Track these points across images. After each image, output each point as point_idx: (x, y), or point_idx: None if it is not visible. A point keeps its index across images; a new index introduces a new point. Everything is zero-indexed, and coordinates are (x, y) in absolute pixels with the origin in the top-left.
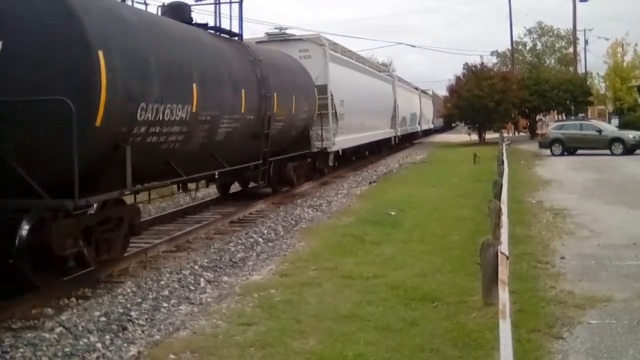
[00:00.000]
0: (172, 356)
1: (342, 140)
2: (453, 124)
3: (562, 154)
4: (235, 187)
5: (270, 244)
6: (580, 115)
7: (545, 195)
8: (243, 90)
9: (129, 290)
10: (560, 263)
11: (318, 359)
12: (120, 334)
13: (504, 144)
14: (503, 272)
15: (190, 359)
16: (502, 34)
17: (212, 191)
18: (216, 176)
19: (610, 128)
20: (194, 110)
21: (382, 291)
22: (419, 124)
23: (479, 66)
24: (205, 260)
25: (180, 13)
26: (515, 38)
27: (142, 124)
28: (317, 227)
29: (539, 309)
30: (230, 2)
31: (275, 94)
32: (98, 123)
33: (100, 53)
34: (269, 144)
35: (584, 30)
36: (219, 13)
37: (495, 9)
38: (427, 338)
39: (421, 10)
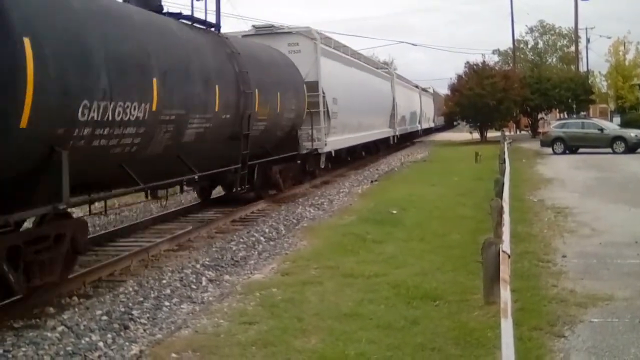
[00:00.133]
0: (173, 355)
1: (335, 140)
2: (455, 123)
3: (563, 153)
4: (220, 191)
5: (271, 242)
6: (582, 113)
7: (546, 194)
8: (217, 86)
9: (130, 289)
10: (562, 261)
11: (320, 357)
12: (122, 333)
13: (505, 143)
14: (504, 271)
15: (192, 358)
16: (503, 33)
17: (190, 197)
18: (184, 183)
19: (612, 126)
20: (153, 109)
21: (384, 290)
22: (419, 122)
23: (480, 65)
24: (207, 259)
25: (148, 0)
26: (516, 37)
27: (86, 125)
28: (319, 225)
29: (540, 308)
30: None
31: (256, 90)
32: (24, 124)
33: (27, 40)
34: (249, 145)
35: (586, 29)
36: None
37: (496, 9)
38: (429, 337)
39: (421, 9)
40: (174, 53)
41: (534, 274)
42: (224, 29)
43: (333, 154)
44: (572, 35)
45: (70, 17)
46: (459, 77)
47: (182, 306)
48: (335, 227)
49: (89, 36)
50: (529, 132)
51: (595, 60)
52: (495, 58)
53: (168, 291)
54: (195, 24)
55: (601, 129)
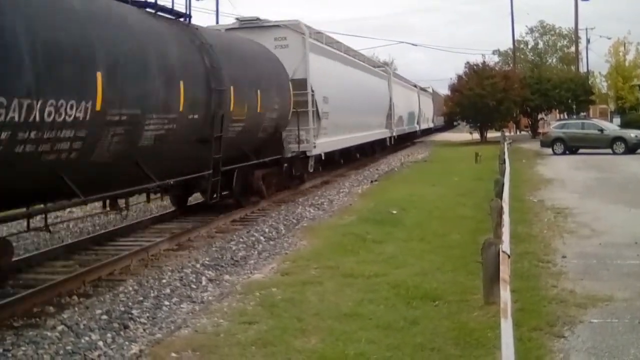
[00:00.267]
0: (173, 354)
1: (326, 142)
2: (455, 123)
3: (563, 153)
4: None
5: (271, 242)
6: (582, 114)
7: (546, 194)
8: (182, 83)
9: (130, 288)
10: (562, 262)
11: (319, 357)
12: (121, 332)
13: (505, 143)
14: (504, 271)
15: (191, 358)
16: (503, 33)
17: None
18: (138, 194)
19: (612, 127)
20: (97, 109)
21: (384, 290)
22: (418, 123)
23: (480, 65)
24: (207, 259)
25: None
26: (517, 37)
27: (3, 128)
28: (319, 225)
29: (540, 308)
30: None
31: (231, 87)
32: None
33: None
34: (223, 149)
35: (586, 29)
36: None
37: (496, 9)
38: (429, 337)
39: (421, 9)
40: (127, 44)
41: (534, 274)
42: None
43: (323, 157)
44: (572, 36)
45: None
46: (459, 77)
47: (181, 306)
48: (335, 227)
49: (6, 18)
50: (529, 132)
51: (596, 61)
52: (496, 58)
53: (168, 291)
54: (160, 13)
55: (601, 130)
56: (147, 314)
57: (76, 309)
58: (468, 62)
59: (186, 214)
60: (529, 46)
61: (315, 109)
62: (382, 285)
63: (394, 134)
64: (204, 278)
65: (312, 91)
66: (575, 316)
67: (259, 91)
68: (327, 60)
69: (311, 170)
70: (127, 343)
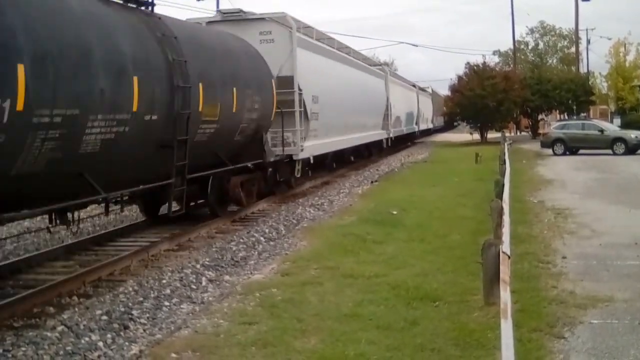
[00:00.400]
0: (173, 355)
1: (315, 144)
2: (455, 123)
3: (564, 154)
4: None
5: (271, 243)
6: (582, 114)
7: (547, 195)
8: (136, 79)
9: (130, 289)
10: (562, 263)
11: (319, 358)
12: (121, 333)
13: (505, 144)
14: (504, 272)
15: (191, 358)
16: (503, 33)
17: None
18: (72, 211)
19: (612, 128)
20: (19, 108)
21: (384, 290)
22: (417, 123)
23: (481, 65)
24: (207, 259)
25: None
26: (517, 37)
27: None
28: (319, 226)
29: (540, 309)
30: None
31: (200, 84)
32: None
33: None
34: (189, 154)
35: (586, 30)
36: None
37: (496, 9)
38: (429, 337)
39: (422, 10)
40: (63, 31)
41: (534, 275)
42: None
43: (312, 161)
44: (573, 36)
45: None
46: (460, 77)
47: (182, 306)
48: (335, 228)
49: None
50: (529, 133)
51: (596, 62)
52: (496, 59)
53: (168, 291)
54: None
55: (601, 130)
56: (147, 315)
57: (76, 309)
58: (468, 63)
59: (156, 224)
60: (530, 47)
61: (303, 109)
62: (382, 285)
63: (391, 135)
64: (204, 278)
65: (300, 90)
66: (575, 317)
67: (235, 89)
68: (318, 56)
69: (298, 175)
70: (127, 343)
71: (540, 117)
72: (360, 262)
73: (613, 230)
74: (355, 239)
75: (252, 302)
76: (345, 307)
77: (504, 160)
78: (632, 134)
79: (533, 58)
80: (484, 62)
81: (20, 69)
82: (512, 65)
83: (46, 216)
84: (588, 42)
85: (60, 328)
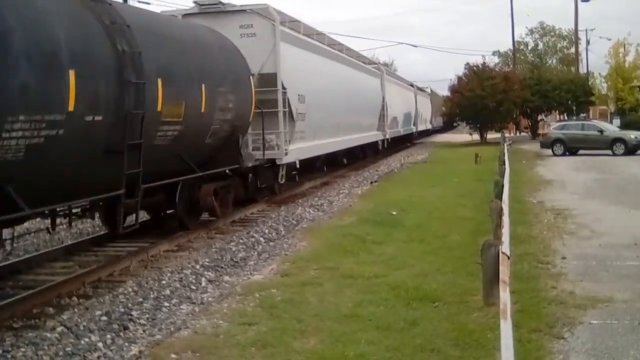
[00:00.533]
0: (173, 355)
1: (302, 147)
2: (454, 124)
3: (563, 154)
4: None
5: (271, 243)
6: (582, 115)
7: (546, 195)
8: (72, 73)
9: (130, 289)
10: (562, 263)
11: (319, 358)
12: (121, 334)
13: (505, 144)
14: (504, 272)
15: (191, 359)
16: (503, 33)
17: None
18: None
19: (612, 128)
20: None
21: (383, 291)
22: (414, 124)
23: (480, 66)
24: (207, 260)
25: None
26: (517, 38)
27: None
28: (319, 226)
29: (540, 309)
30: None
31: (159, 80)
32: None
33: None
34: (146, 160)
35: (586, 30)
36: None
37: (496, 9)
38: (428, 338)
39: (421, 10)
40: None
41: (534, 275)
42: None
43: (298, 165)
44: (572, 37)
45: None
46: (459, 78)
47: (181, 307)
48: (335, 228)
49: None
50: (529, 133)
51: (595, 62)
52: (495, 59)
53: (167, 292)
54: None
55: (601, 131)
56: (147, 315)
57: (76, 310)
58: (468, 63)
59: (120, 237)
60: (529, 47)
61: (288, 109)
62: (382, 286)
63: (387, 136)
64: (203, 279)
65: (284, 88)
66: (574, 317)
67: (204, 86)
68: (305, 52)
69: (282, 181)
70: (126, 344)
71: (539, 117)
72: (360, 263)
73: (613, 230)
74: (354, 239)
75: (252, 302)
76: (344, 308)
77: (504, 161)
78: (631, 135)
79: (533, 58)
80: (484, 63)
81: None
82: (511, 66)
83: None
84: (588, 42)
85: (59, 329)
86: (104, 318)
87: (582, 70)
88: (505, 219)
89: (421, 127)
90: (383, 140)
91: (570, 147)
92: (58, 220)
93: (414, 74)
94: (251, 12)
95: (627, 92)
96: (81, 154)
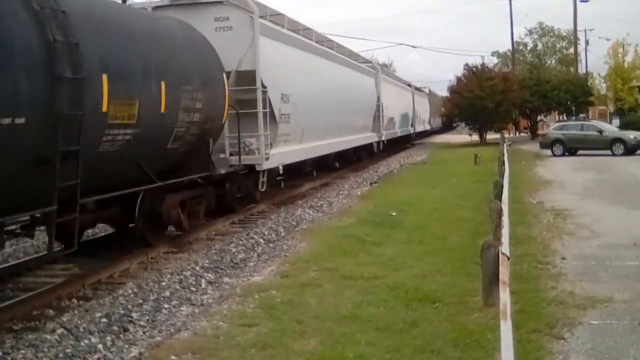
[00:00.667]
0: (173, 357)
1: (286, 152)
2: (454, 125)
3: (563, 155)
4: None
5: (271, 244)
6: (581, 115)
7: (546, 196)
8: None
9: (130, 291)
10: (561, 263)
11: (319, 359)
12: (121, 335)
13: (504, 145)
14: (504, 273)
15: None
16: (503, 34)
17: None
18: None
19: (611, 128)
20: None
21: (383, 292)
22: (412, 125)
23: (479, 67)
24: (206, 261)
25: None
26: (516, 38)
27: None
28: (318, 228)
29: (539, 310)
30: None
31: (104, 76)
32: None
33: None
34: (79, 172)
35: (585, 31)
36: None
37: (496, 10)
38: (428, 339)
39: (421, 10)
40: None
41: (533, 276)
42: None
43: (281, 171)
44: (571, 37)
45: None
46: (458, 79)
47: (181, 308)
48: (334, 229)
49: None
50: (528, 134)
51: (595, 62)
52: (495, 60)
53: (167, 293)
54: None
55: (600, 131)
56: (147, 317)
57: (76, 312)
58: (467, 64)
59: (75, 254)
60: (528, 48)
61: (269, 110)
62: (382, 287)
63: (383, 138)
64: (203, 281)
65: (264, 87)
66: (574, 318)
67: (164, 84)
68: (289, 48)
69: (263, 189)
70: (126, 346)
71: (539, 118)
72: (360, 264)
73: (612, 231)
74: (354, 240)
75: (252, 304)
76: (344, 309)
77: (503, 161)
78: (631, 135)
79: (532, 59)
80: (483, 63)
81: None
82: (510, 66)
83: None
84: (587, 42)
85: (59, 331)
86: (104, 320)
87: (581, 70)
88: (505, 219)
89: (419, 128)
90: (378, 142)
91: (570, 148)
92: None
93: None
94: (227, 4)
95: (626, 92)
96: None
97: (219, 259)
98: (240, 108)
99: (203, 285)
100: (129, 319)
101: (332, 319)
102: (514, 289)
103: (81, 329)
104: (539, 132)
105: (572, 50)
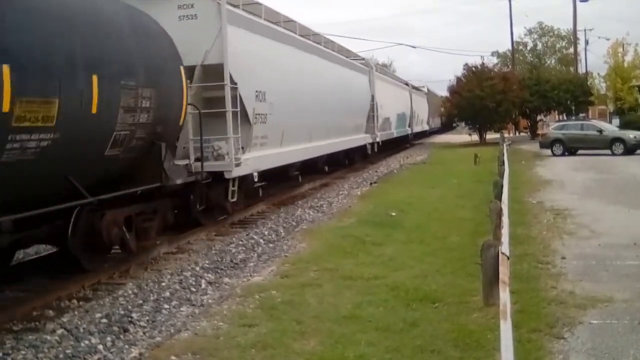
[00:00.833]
0: (173, 357)
1: (262, 156)
2: (454, 125)
3: (562, 154)
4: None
5: (271, 245)
6: (581, 115)
7: (546, 196)
8: None
9: (130, 291)
10: (561, 263)
11: (319, 359)
12: (121, 336)
13: (504, 145)
14: (504, 273)
15: None
16: (503, 34)
17: None
18: None
19: (611, 128)
20: None
21: (383, 292)
22: (410, 125)
23: (479, 67)
24: (206, 262)
25: None
26: (515, 38)
27: None
28: (318, 228)
29: (539, 309)
30: None
31: (5, 67)
32: None
33: None
34: None
35: (585, 30)
36: None
37: (496, 10)
38: (428, 339)
39: (421, 11)
40: None
41: (533, 275)
42: None
43: (256, 178)
44: (571, 37)
45: None
46: (458, 79)
47: (181, 309)
48: (334, 230)
49: None
50: (528, 133)
51: (594, 62)
52: (494, 60)
53: (167, 294)
54: None
55: (600, 131)
56: (147, 317)
57: (76, 312)
58: (467, 64)
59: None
60: (528, 47)
61: (241, 109)
62: (382, 287)
63: (378, 139)
64: (203, 281)
65: (234, 83)
66: (574, 317)
67: (95, 78)
68: (267, 41)
69: (234, 199)
70: (126, 346)
71: (539, 117)
72: (360, 264)
73: (612, 230)
74: (354, 240)
75: (252, 304)
76: (344, 309)
77: (503, 161)
78: (630, 134)
79: (531, 59)
80: (482, 63)
81: None
82: (510, 66)
83: None
84: (586, 42)
85: (59, 331)
86: (104, 320)
87: (581, 70)
88: (505, 219)
89: (417, 129)
90: (373, 144)
91: (570, 147)
92: None
93: (413, 75)
94: None
95: (626, 92)
96: None
97: (219, 260)
98: (208, 107)
99: (203, 286)
100: (129, 319)
101: (332, 319)
102: (514, 288)
103: (81, 330)
104: (539, 131)
105: (571, 50)
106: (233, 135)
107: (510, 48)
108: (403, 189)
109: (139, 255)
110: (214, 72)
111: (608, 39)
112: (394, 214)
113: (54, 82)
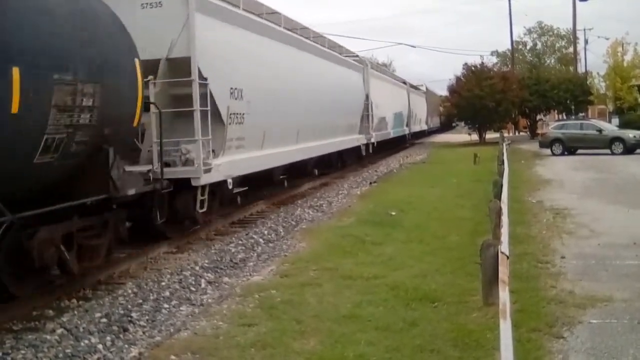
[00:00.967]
0: (173, 357)
1: (238, 160)
2: (453, 124)
3: (562, 154)
4: None
5: (270, 244)
6: (581, 114)
7: (545, 195)
8: None
9: (129, 291)
10: (561, 263)
11: (318, 359)
12: (121, 335)
13: (504, 144)
14: (503, 272)
15: None
16: (502, 34)
17: None
18: None
19: (611, 127)
20: None
21: (382, 291)
22: (407, 125)
23: (479, 66)
24: (206, 261)
25: None
26: (515, 38)
27: None
28: (318, 227)
29: (539, 309)
30: None
31: None
32: None
33: None
34: None
35: (584, 30)
36: None
37: (496, 9)
38: (428, 338)
39: (421, 10)
40: None
41: (533, 275)
42: None
43: (231, 185)
44: (571, 36)
45: None
46: (458, 78)
47: (181, 308)
48: (334, 229)
49: None
50: (528, 133)
51: (594, 61)
52: (494, 59)
53: (167, 293)
54: None
55: (600, 130)
56: (147, 317)
57: (75, 312)
58: (466, 63)
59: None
60: (528, 47)
61: (212, 108)
62: (381, 286)
63: (373, 140)
64: (203, 280)
65: (204, 78)
66: (574, 317)
67: (16, 71)
68: (244, 32)
69: (203, 209)
70: (126, 346)
71: (538, 117)
72: (359, 264)
73: (611, 230)
74: (354, 240)
75: (251, 303)
76: (344, 309)
77: (503, 161)
78: (630, 134)
79: (531, 58)
80: (482, 63)
81: None
82: (510, 66)
83: None
84: (586, 42)
85: (59, 331)
86: (104, 320)
87: (581, 69)
88: (504, 218)
89: (415, 129)
90: (367, 145)
91: (569, 147)
92: None
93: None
94: None
95: (626, 92)
96: None
97: (219, 259)
98: (175, 106)
99: (203, 285)
100: (129, 319)
101: (331, 318)
102: (514, 288)
103: (81, 329)
104: (539, 131)
105: (571, 49)
106: (202, 138)
107: (509, 47)
108: (402, 188)
109: (87, 276)
110: (182, 67)
111: (607, 39)
112: (393, 213)
113: None
